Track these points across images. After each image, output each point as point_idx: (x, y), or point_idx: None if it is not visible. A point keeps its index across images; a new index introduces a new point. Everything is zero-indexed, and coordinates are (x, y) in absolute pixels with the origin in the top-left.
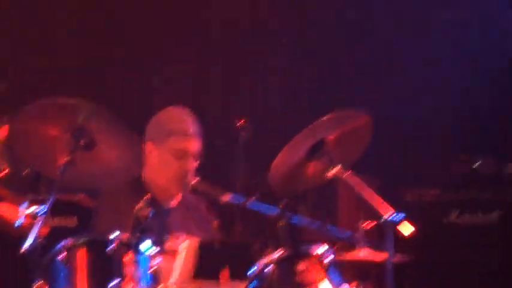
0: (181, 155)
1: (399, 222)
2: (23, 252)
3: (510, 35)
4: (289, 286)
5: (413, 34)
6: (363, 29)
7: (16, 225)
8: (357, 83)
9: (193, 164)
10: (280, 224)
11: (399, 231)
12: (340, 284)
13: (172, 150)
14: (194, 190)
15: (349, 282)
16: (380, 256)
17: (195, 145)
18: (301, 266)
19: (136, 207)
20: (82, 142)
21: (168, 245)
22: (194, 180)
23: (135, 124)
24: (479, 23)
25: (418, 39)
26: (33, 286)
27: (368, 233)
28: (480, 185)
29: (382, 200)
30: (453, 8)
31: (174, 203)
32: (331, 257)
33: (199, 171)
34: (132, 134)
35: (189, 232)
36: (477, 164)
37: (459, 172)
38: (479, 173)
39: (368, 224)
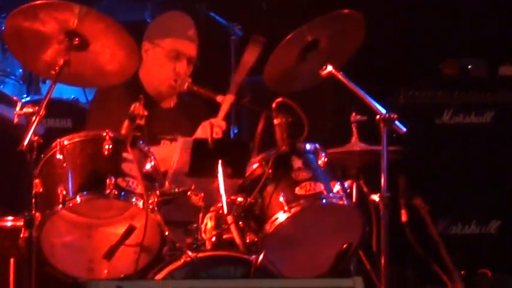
0: (175, 56)
1: (392, 121)
2: (22, 148)
3: None
4: (285, 183)
5: None
6: None
7: (13, 124)
8: None
9: (187, 68)
10: (276, 123)
11: (394, 129)
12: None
13: (167, 51)
14: (188, 92)
15: (343, 179)
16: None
17: (190, 48)
18: (296, 163)
19: (132, 107)
20: (76, 42)
21: (162, 144)
22: (186, 83)
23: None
24: None
25: None
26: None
27: (361, 129)
28: (472, 87)
29: (373, 101)
30: None
31: (170, 104)
32: (325, 155)
33: (194, 75)
34: (127, 35)
35: (185, 133)
36: (470, 66)
37: (451, 73)
38: (472, 75)
39: (360, 118)
